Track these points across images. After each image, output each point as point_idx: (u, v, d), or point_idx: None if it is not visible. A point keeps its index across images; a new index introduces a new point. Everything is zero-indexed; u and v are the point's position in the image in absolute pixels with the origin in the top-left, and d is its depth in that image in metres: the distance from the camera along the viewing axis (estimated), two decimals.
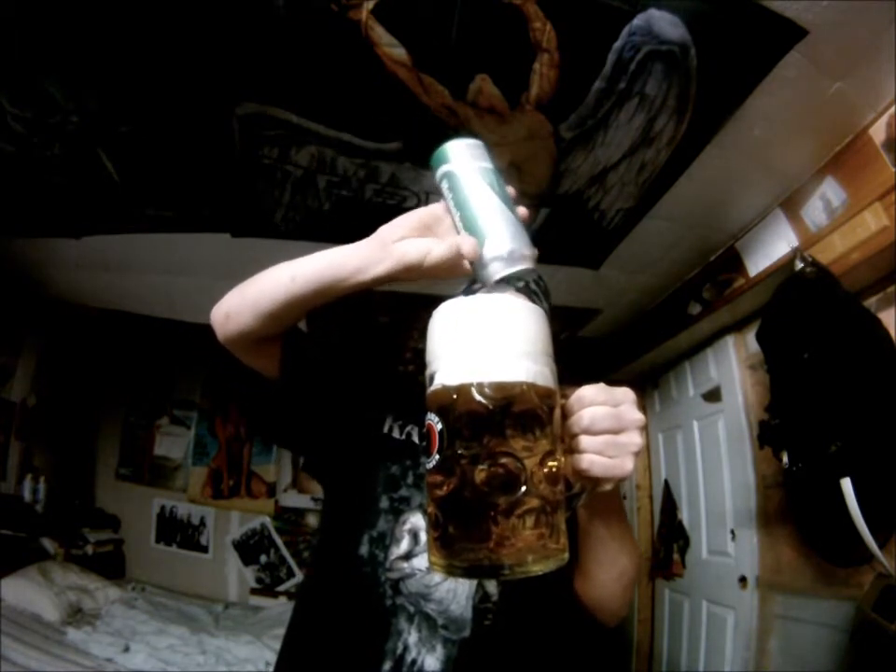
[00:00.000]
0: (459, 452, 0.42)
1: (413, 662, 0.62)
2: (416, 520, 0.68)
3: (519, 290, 0.78)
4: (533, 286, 0.82)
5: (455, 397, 0.42)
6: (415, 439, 0.75)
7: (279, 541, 3.58)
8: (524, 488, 0.41)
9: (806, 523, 1.74)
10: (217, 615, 3.01)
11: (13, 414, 2.89)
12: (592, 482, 0.47)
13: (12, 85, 1.37)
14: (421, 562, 0.66)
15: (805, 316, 1.52)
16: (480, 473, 0.41)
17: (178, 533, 3.60)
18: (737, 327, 2.28)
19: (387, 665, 0.62)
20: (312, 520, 3.63)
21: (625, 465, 0.46)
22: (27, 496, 2.88)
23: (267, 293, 0.61)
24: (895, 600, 1.29)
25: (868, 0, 1.11)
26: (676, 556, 2.60)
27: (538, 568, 0.41)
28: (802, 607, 1.81)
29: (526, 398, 0.42)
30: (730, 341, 2.31)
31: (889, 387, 1.38)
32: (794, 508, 1.79)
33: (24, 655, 1.93)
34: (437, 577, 0.65)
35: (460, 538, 0.42)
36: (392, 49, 1.22)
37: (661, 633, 2.70)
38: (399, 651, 0.63)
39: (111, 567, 3.19)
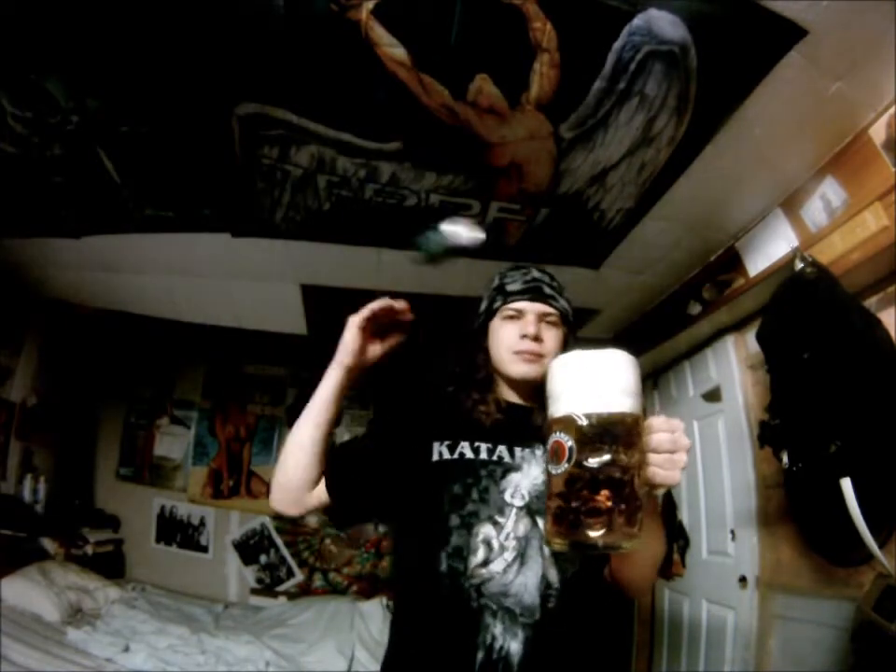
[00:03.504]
0: (582, 461, 0.58)
1: (501, 648, 0.76)
2: (487, 530, 0.79)
3: (534, 298, 0.88)
4: (547, 289, 0.89)
5: (579, 422, 0.58)
6: (469, 454, 0.84)
7: (279, 541, 3.58)
8: (627, 489, 0.57)
9: (806, 523, 1.74)
10: (217, 615, 3.01)
11: (13, 414, 2.89)
12: (653, 486, 0.63)
13: (12, 85, 1.37)
14: (497, 566, 0.78)
15: (805, 316, 1.52)
16: (597, 476, 0.57)
17: (178, 533, 3.59)
18: (737, 327, 2.27)
19: (480, 655, 0.76)
20: (312, 520, 3.62)
21: (676, 476, 0.62)
22: (27, 496, 2.88)
23: (303, 461, 0.83)
24: (895, 600, 1.29)
25: (868, 0, 1.11)
26: (676, 556, 2.60)
27: (627, 545, 0.57)
28: (802, 607, 1.81)
29: (627, 423, 0.59)
30: (730, 341, 2.31)
31: (889, 387, 1.38)
32: (794, 508, 1.79)
33: (24, 655, 1.93)
34: (510, 576, 0.78)
35: (579, 523, 0.57)
36: (392, 49, 1.22)
37: (661, 633, 2.70)
38: (489, 641, 0.76)
39: (111, 566, 3.18)
